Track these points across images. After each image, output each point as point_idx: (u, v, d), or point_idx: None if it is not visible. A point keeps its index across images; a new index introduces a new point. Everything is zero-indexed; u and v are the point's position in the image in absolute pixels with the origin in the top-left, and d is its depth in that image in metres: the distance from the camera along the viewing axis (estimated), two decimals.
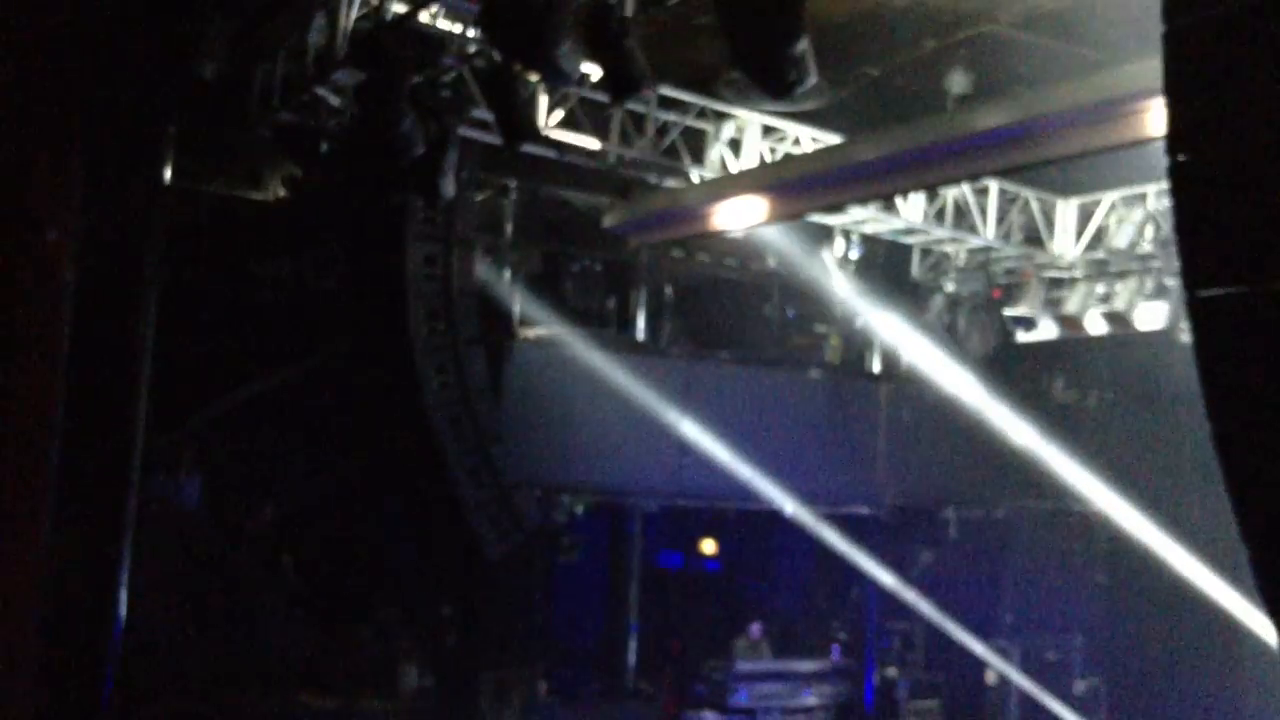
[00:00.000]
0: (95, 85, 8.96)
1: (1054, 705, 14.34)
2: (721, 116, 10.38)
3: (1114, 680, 14.64)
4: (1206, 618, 13.56)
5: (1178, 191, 3.16)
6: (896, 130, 9.25)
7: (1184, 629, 14.09)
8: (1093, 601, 15.11)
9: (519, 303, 12.45)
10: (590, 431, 12.47)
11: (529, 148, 9.41)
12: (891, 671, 14.75)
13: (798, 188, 10.25)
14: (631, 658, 13.08)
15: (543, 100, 9.22)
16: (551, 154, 10.01)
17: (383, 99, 8.06)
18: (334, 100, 9.12)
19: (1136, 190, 11.25)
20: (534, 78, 8.63)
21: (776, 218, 10.87)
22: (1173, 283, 11.20)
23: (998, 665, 14.72)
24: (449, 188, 8.78)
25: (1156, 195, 11.08)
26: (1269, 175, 2.87)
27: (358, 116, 8.67)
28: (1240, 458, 2.99)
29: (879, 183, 9.72)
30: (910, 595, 14.97)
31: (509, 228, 12.40)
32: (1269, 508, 2.99)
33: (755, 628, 14.23)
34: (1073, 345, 13.61)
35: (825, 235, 12.28)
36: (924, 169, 9.27)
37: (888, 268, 13.67)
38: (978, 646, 14.67)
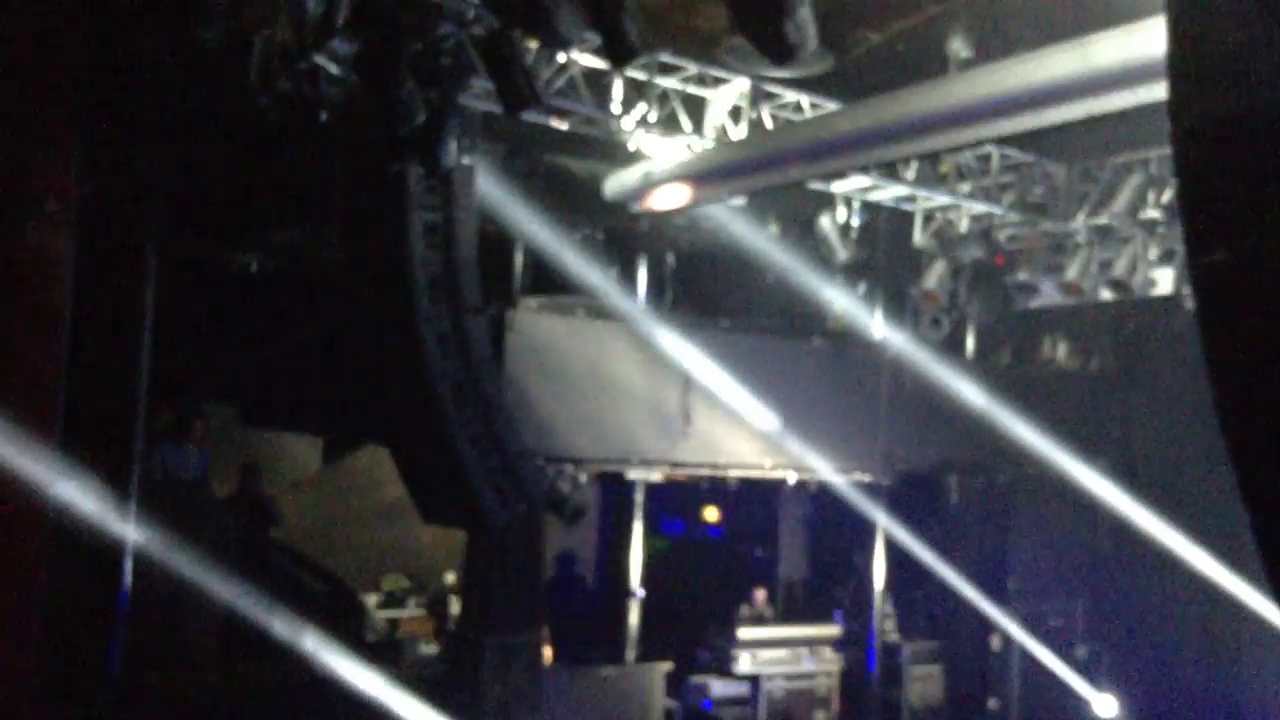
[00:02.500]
0: (95, 53, 8.92)
1: (1056, 670, 14.44)
2: (720, 82, 10.33)
3: (1116, 646, 14.73)
4: (1208, 584, 13.62)
5: (1181, 157, 3.15)
6: (898, 96, 9.19)
7: (1185, 595, 14.17)
8: (1095, 568, 15.18)
9: (521, 272, 12.44)
10: (592, 400, 12.48)
11: (529, 115, 9.37)
12: (894, 637, 14.83)
13: (797, 156, 10.21)
14: (634, 625, 13.15)
15: (542, 67, 9.16)
16: (551, 122, 9.97)
17: (382, 67, 8.01)
18: (333, 69, 9.07)
19: (1139, 155, 11.20)
20: (534, 44, 8.58)
21: (780, 183, 10.84)
22: (1176, 248, 11.18)
23: (1004, 630, 14.81)
24: (449, 156, 8.75)
25: (1159, 160, 11.04)
26: (1272, 141, 2.85)
27: (357, 85, 8.63)
28: (1241, 422, 3.00)
29: (879, 149, 9.67)
30: (912, 561, 15.05)
31: (518, 194, 12.37)
32: (1271, 473, 2.99)
33: (758, 594, 14.30)
34: (1075, 311, 13.63)
35: (827, 202, 12.24)
36: (926, 135, 9.22)
37: (890, 235, 13.66)
38: (982, 611, 14.74)
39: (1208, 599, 13.78)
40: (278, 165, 11.30)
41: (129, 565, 9.75)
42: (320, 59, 8.92)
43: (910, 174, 11.45)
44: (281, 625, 10.45)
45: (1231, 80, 2.93)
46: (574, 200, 12.51)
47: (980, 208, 11.96)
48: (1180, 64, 3.04)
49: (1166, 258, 11.63)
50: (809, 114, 10.45)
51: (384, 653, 11.90)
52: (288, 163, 11.19)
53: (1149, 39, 7.26)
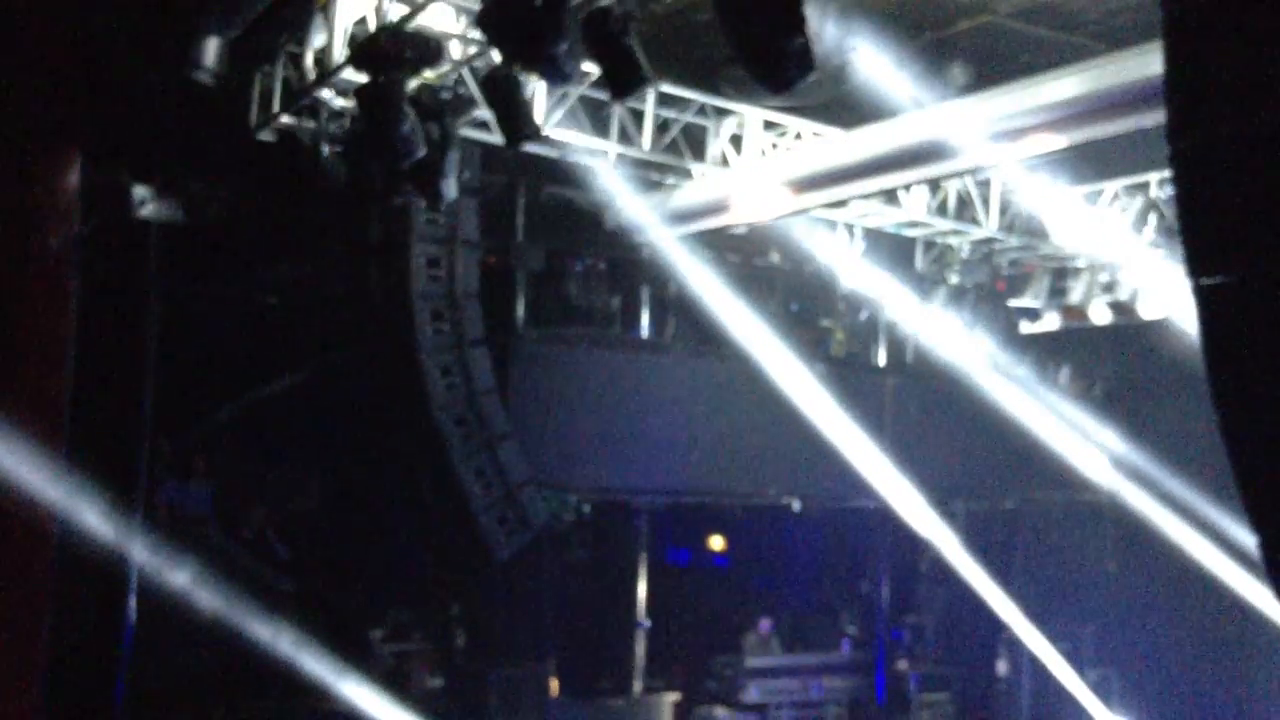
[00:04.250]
0: (94, 91, 8.98)
1: (1065, 695, 14.34)
2: (722, 113, 10.38)
3: (1125, 669, 14.63)
4: (1216, 604, 13.54)
5: (1180, 180, 3.16)
6: (898, 124, 9.23)
7: (1194, 616, 14.09)
8: (1102, 591, 15.10)
9: (523, 303, 12.47)
10: (596, 430, 12.48)
11: (530, 147, 9.41)
12: (902, 665, 14.74)
13: (802, 182, 10.25)
14: (641, 655, 13.09)
15: (542, 99, 9.22)
16: (553, 153, 10.01)
17: (383, 101, 8.06)
18: (335, 103, 9.13)
19: (1138, 179, 11.23)
20: (534, 77, 8.62)
21: (781, 212, 10.88)
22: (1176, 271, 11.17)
23: (1011, 655, 14.73)
24: (451, 189, 8.79)
25: (1158, 184, 11.07)
26: (1271, 161, 2.87)
27: (358, 119, 8.68)
28: (1244, 443, 2.99)
29: (881, 176, 9.71)
30: (920, 589, 15.00)
31: (519, 226, 12.42)
32: (1273, 493, 2.99)
33: (764, 624, 14.23)
34: (1078, 335, 13.62)
35: (829, 230, 12.28)
36: (926, 162, 9.25)
37: (892, 261, 13.67)
38: (989, 636, 14.68)
39: (1217, 619, 13.71)
40: (279, 200, 11.34)
41: (133, 600, 9.73)
42: (322, 94, 8.99)
43: (910, 200, 11.48)
44: (286, 659, 10.41)
45: (1230, 103, 2.94)
46: (576, 230, 12.56)
47: (981, 233, 11.98)
48: (1179, 86, 3.06)
49: (1166, 281, 11.63)
50: (810, 143, 10.49)
51: (389, 685, 11.84)
52: (289, 197, 11.24)
53: (1148, 63, 7.30)
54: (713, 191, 10.66)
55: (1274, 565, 3.02)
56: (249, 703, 10.95)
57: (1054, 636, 14.29)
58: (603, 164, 10.16)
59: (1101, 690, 14.36)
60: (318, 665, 10.54)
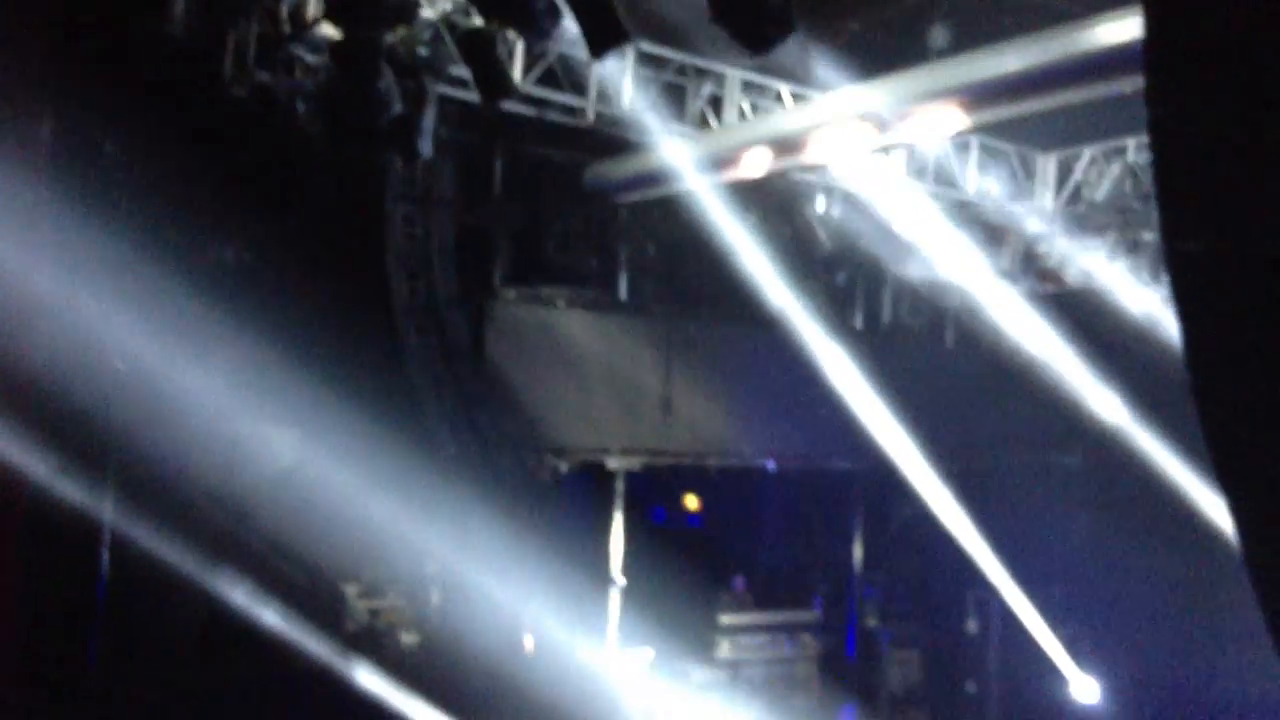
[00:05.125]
0: (67, 44, 8.85)
1: (1035, 652, 14.56)
2: (701, 73, 10.32)
3: (1094, 626, 14.85)
4: (1184, 563, 13.75)
5: (1157, 144, 3.17)
6: (878, 85, 9.21)
7: (1161, 574, 14.29)
8: (1072, 550, 15.28)
9: (500, 262, 12.42)
10: (573, 390, 12.49)
11: (508, 105, 9.35)
12: (873, 622, 14.92)
13: (781, 144, 10.22)
14: (615, 613, 13.19)
15: (520, 57, 9.14)
16: (530, 111, 9.95)
17: (359, 58, 7.98)
18: (310, 59, 9.02)
19: (1116, 143, 11.27)
20: (512, 34, 8.55)
21: (760, 173, 10.85)
22: (1152, 236, 11.25)
23: (981, 613, 14.94)
24: (427, 147, 8.72)
25: (1136, 148, 11.10)
26: (1249, 127, 2.88)
27: (334, 75, 8.58)
28: (1217, 408, 3.03)
29: (864, 137, 9.69)
30: (891, 546, 15.16)
31: (497, 185, 12.34)
32: (1245, 459, 3.03)
33: (738, 581, 14.36)
34: (1053, 299, 13.69)
35: (806, 192, 12.27)
36: (907, 123, 9.24)
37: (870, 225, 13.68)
38: (960, 595, 14.88)
39: (1186, 580, 13.92)
40: (254, 156, 11.22)
41: (106, 556, 9.71)
42: (297, 50, 8.88)
43: (890, 164, 11.48)
44: (261, 615, 10.43)
45: (1209, 67, 2.95)
46: (554, 190, 12.49)
47: (959, 197, 12.00)
48: (1157, 51, 3.06)
49: (1143, 245, 11.71)
50: (790, 104, 10.46)
51: (364, 642, 11.89)
52: (264, 153, 11.13)
53: (1129, 27, 7.31)
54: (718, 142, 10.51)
55: (1243, 525, 3.07)
56: (223, 660, 10.97)
57: (1024, 594, 14.49)
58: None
59: (1071, 647, 14.59)
60: (292, 622, 10.57)
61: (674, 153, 10.69)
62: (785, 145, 10.17)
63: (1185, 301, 3.05)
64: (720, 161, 10.52)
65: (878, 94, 9.14)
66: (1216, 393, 2.99)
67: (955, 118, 8.90)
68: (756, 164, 10.26)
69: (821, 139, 9.75)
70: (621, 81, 9.96)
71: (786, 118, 10.27)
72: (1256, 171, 2.87)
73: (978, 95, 8.56)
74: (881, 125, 9.33)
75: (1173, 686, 13.99)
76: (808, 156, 10.31)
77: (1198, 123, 3.04)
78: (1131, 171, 11.16)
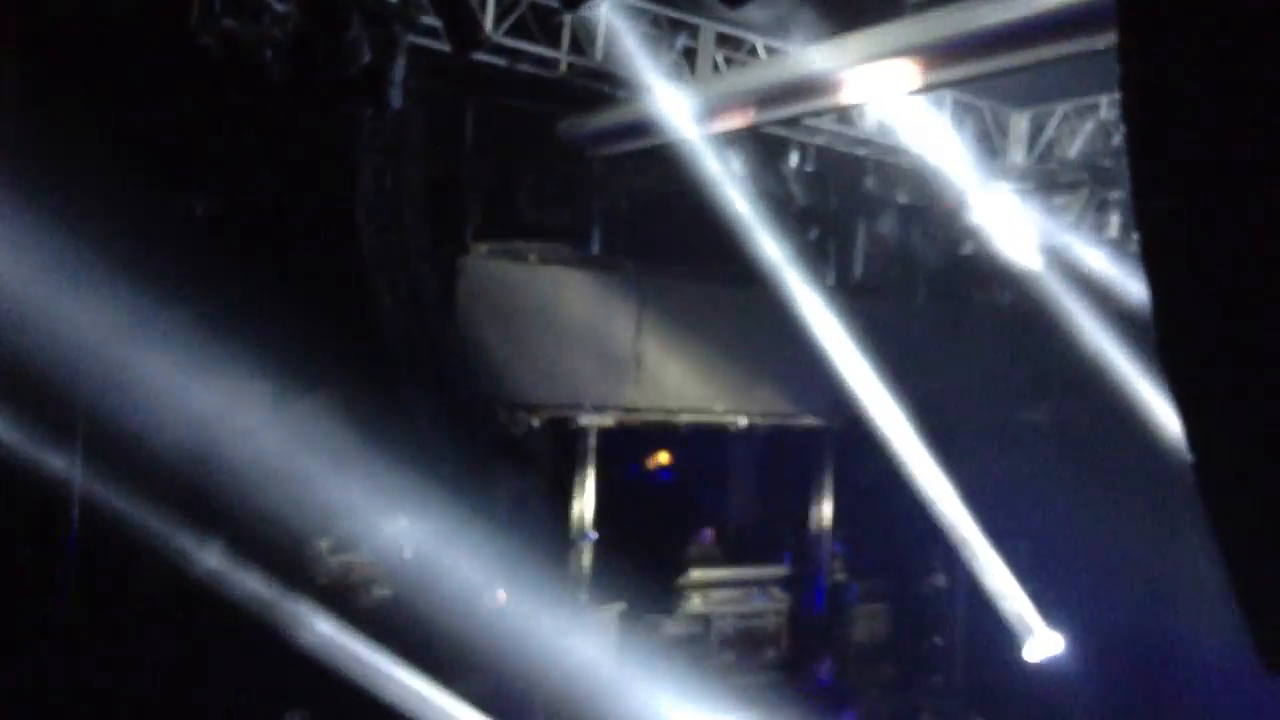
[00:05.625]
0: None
1: (999, 608, 14.75)
2: (676, 25, 10.24)
3: (1059, 585, 15.05)
4: (1149, 522, 13.93)
5: (1130, 101, 3.17)
6: (853, 39, 9.17)
7: (1123, 534, 14.50)
8: (1037, 507, 15.46)
9: (472, 215, 12.32)
10: (545, 346, 12.46)
11: (479, 56, 9.25)
12: (841, 576, 15.07)
13: (755, 98, 10.17)
14: (587, 567, 13.27)
15: (491, 7, 9.04)
16: (501, 62, 9.85)
17: (328, 6, 7.87)
18: (279, 7, 8.88)
19: (1089, 101, 11.28)
20: None
21: (734, 128, 10.80)
22: (1122, 194, 11.30)
23: (948, 569, 15.13)
24: (397, 97, 8.64)
25: (1109, 105, 11.13)
26: (1221, 85, 2.89)
27: (303, 24, 8.46)
28: (1184, 364, 3.06)
29: (834, 92, 9.65)
30: (860, 502, 15.28)
31: (469, 138, 12.21)
32: (1213, 416, 3.06)
33: (706, 533, 14.46)
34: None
35: (780, 148, 12.23)
36: (880, 79, 9.21)
37: (842, 181, 13.67)
38: (927, 551, 15.05)
39: (1145, 537, 14.12)
40: (222, 105, 11.05)
41: (76, 515, 9.66)
42: None
43: (863, 120, 11.46)
44: (232, 570, 10.42)
45: (1183, 25, 2.95)
46: (526, 143, 12.38)
47: (931, 154, 11.99)
48: (1130, 9, 3.05)
49: (1111, 204, 11.77)
50: (764, 58, 10.40)
51: (336, 596, 11.90)
52: (232, 103, 10.96)
53: None
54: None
55: (1208, 482, 3.11)
56: (194, 616, 10.96)
57: (991, 549, 14.65)
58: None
59: (1036, 602, 14.79)
60: (261, 579, 10.57)
61: (649, 105, 10.62)
62: (764, 98, 10.12)
63: (1154, 258, 3.07)
64: (696, 115, 10.46)
65: (856, 46, 9.10)
66: (1184, 348, 3.02)
67: (923, 74, 8.87)
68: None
69: (804, 92, 9.70)
70: (595, 33, 9.88)
71: (763, 71, 10.22)
72: (1228, 129, 2.88)
73: (950, 51, 8.53)
74: (858, 79, 9.30)
75: (1134, 639, 14.24)
76: (790, 109, 10.26)
77: (1170, 80, 3.05)
78: (1104, 129, 11.19)
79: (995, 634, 15.05)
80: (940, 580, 15.34)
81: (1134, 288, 11.64)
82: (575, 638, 12.29)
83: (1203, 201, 2.97)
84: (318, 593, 11.65)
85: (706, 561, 14.22)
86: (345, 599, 11.98)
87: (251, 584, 10.53)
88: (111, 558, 10.49)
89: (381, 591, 12.47)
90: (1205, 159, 2.96)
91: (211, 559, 10.21)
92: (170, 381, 12.82)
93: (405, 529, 13.12)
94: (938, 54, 8.59)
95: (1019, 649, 14.88)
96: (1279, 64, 2.77)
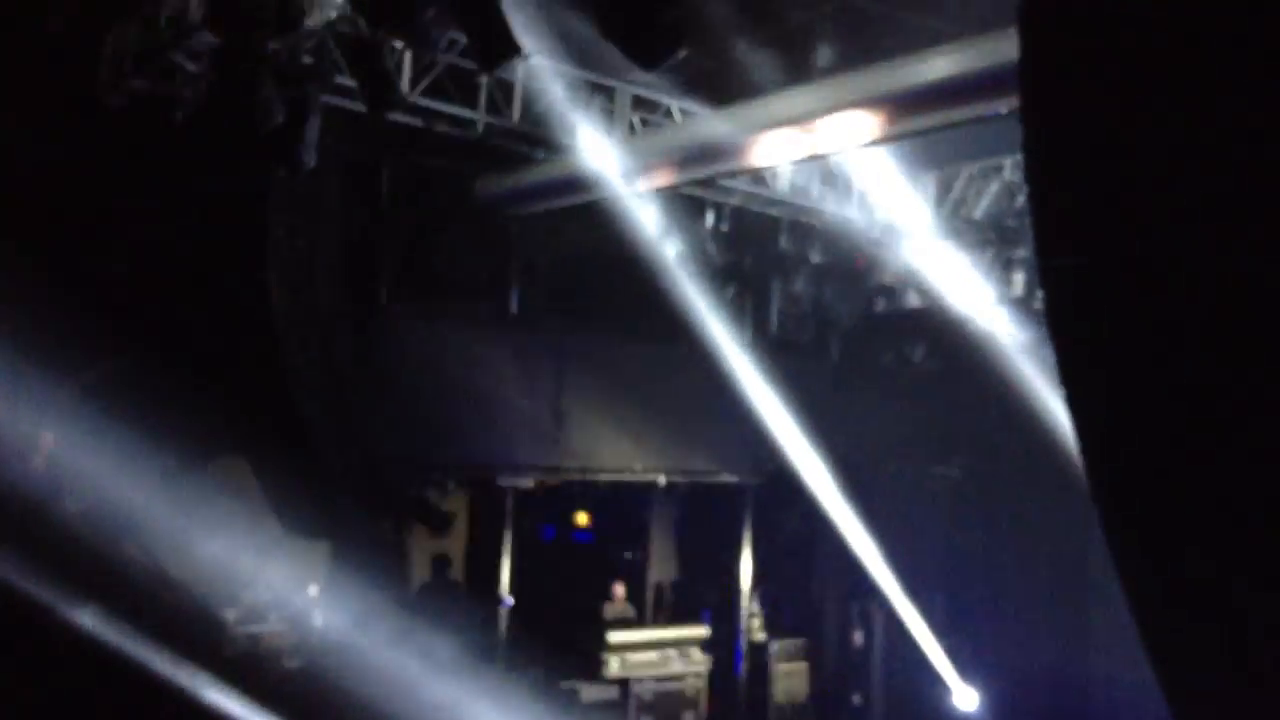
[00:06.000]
0: None
1: (919, 663, 14.82)
2: (593, 87, 10.34)
3: (974, 638, 15.18)
4: (1060, 574, 14.16)
5: (1031, 162, 3.26)
6: (764, 103, 9.33)
7: (1036, 584, 14.70)
8: (953, 561, 15.62)
9: (388, 275, 12.24)
10: (463, 406, 12.35)
11: (396, 116, 9.23)
12: (760, 636, 15.03)
13: (671, 159, 10.28)
14: (503, 631, 13.08)
15: (408, 67, 9.04)
16: (418, 122, 9.84)
17: (240, 66, 7.80)
18: (190, 67, 8.78)
19: (994, 162, 11.59)
20: (399, 44, 8.45)
21: (650, 189, 10.90)
22: (1027, 253, 11.58)
23: (867, 625, 15.18)
24: (311, 157, 8.56)
25: (1013, 167, 11.44)
26: (1119, 146, 2.97)
27: (215, 84, 8.37)
28: (1088, 418, 3.11)
29: (747, 154, 9.80)
30: (778, 560, 15.30)
31: (384, 196, 12.15)
32: (1115, 465, 3.11)
33: (618, 587, 14.35)
34: (934, 314, 14.01)
35: (696, 207, 12.36)
36: (789, 141, 9.37)
37: (757, 240, 13.85)
38: (845, 608, 15.10)
39: (1058, 588, 14.34)
40: (132, 166, 10.88)
41: None
42: (176, 57, 8.64)
43: (776, 181, 11.64)
44: (136, 642, 10.06)
45: (1083, 86, 3.04)
46: (443, 202, 12.36)
47: (844, 213, 12.21)
48: (1032, 70, 3.14)
49: (1016, 263, 12.05)
50: (679, 120, 10.53)
51: (245, 669, 11.55)
52: (142, 163, 10.79)
53: (1005, 48, 7.51)
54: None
55: (1113, 534, 3.15)
56: (95, 684, 10.55)
57: (907, 605, 14.75)
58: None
59: (952, 657, 14.89)
60: (167, 650, 10.23)
61: (566, 166, 10.68)
62: (680, 159, 10.23)
63: (1058, 315, 3.13)
64: (612, 175, 10.53)
65: (767, 109, 9.26)
66: (1089, 403, 3.08)
67: (831, 136, 9.06)
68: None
69: (718, 153, 9.83)
70: (513, 93, 9.92)
71: (679, 133, 10.34)
72: (1126, 188, 2.96)
73: (858, 115, 8.72)
74: (768, 141, 9.45)
75: (1051, 688, 14.38)
76: (704, 170, 10.37)
77: (1070, 141, 3.13)
78: (1009, 190, 11.49)
79: (913, 690, 15.11)
80: (858, 638, 15.38)
81: (1041, 345, 11.92)
82: (491, 706, 12.07)
83: (1102, 259, 3.05)
84: (225, 664, 11.30)
85: (620, 619, 14.09)
86: (254, 671, 11.63)
87: (155, 655, 10.18)
88: (6, 629, 10.08)
89: (292, 662, 12.14)
90: (1104, 217, 3.04)
91: (105, 626, 9.84)
92: (73, 448, 12.47)
93: (316, 597, 12.84)
94: (843, 119, 8.77)
95: (937, 706, 14.95)
96: (1174, 127, 2.86)
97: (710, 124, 9.89)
